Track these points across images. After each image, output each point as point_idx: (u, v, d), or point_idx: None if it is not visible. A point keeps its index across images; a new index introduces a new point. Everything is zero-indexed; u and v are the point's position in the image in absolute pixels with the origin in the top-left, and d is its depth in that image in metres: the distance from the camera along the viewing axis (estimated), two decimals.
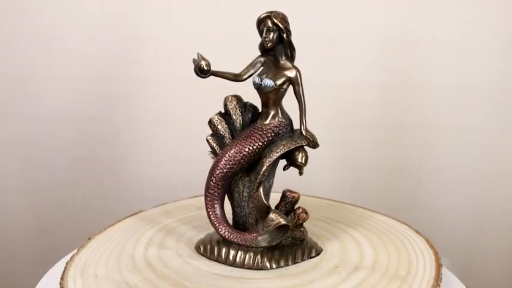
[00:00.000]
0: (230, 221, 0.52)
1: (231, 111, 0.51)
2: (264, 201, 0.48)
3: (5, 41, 0.87)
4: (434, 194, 0.87)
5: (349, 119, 0.85)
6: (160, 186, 0.91)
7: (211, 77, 0.49)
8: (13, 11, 0.85)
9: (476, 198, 0.87)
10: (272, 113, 0.50)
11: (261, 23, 0.49)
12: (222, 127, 0.51)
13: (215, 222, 0.50)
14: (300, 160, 0.49)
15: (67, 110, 0.89)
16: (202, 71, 0.48)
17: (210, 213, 0.50)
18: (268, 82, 0.49)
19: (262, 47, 0.49)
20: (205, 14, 0.82)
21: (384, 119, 0.85)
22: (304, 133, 0.49)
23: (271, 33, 0.48)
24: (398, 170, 0.87)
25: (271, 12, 0.48)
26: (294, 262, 0.49)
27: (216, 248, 0.50)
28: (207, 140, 0.51)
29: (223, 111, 0.52)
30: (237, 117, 0.51)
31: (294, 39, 0.50)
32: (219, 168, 0.49)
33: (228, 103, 0.51)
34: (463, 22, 0.80)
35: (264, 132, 0.49)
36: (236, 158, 0.49)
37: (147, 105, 0.88)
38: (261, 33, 0.49)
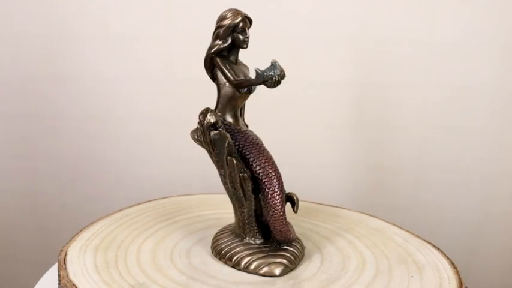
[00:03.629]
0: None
1: (221, 125, 0.47)
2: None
3: (6, 41, 0.87)
4: (434, 195, 0.87)
5: (349, 119, 0.85)
6: (161, 186, 0.91)
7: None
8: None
9: (476, 198, 0.87)
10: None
11: (239, 24, 0.47)
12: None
13: (289, 231, 0.49)
14: None
15: (67, 110, 0.89)
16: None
17: (286, 223, 0.48)
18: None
19: (217, 51, 0.47)
20: (206, 14, 0.82)
21: (384, 119, 0.85)
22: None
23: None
24: (398, 170, 0.87)
25: (242, 12, 0.48)
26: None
27: (264, 263, 0.48)
28: (241, 168, 0.47)
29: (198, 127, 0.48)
30: (223, 129, 0.48)
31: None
32: (280, 178, 0.48)
33: (214, 117, 0.46)
34: (463, 22, 0.79)
35: (253, 133, 0.50)
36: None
37: (146, 105, 0.88)
38: (230, 33, 0.47)
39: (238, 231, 0.51)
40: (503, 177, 0.85)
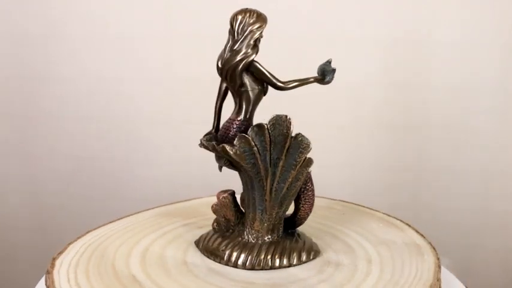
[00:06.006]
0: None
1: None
2: None
3: (5, 41, 0.87)
4: (434, 194, 0.87)
5: (350, 118, 0.85)
6: (161, 187, 0.91)
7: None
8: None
9: (476, 198, 0.87)
10: None
11: None
12: None
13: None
14: None
15: (68, 110, 0.89)
16: None
17: None
18: None
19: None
20: (206, 14, 0.82)
21: (384, 118, 0.85)
22: None
23: None
24: (398, 169, 0.87)
25: None
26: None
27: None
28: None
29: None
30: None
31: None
32: None
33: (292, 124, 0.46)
34: (463, 22, 0.80)
35: None
36: None
37: (147, 105, 0.88)
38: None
39: (265, 235, 0.50)
40: (503, 177, 0.85)
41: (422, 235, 0.57)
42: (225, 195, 0.50)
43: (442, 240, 0.89)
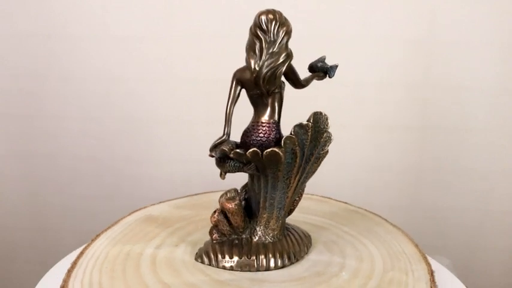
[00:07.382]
0: None
1: None
2: None
3: (5, 40, 0.87)
4: (435, 194, 0.87)
5: (350, 118, 0.85)
6: (161, 186, 0.91)
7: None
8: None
9: (477, 198, 0.87)
10: None
11: None
12: None
13: None
14: None
15: (68, 110, 0.89)
16: None
17: None
18: None
19: None
20: (206, 14, 0.82)
21: (385, 119, 0.85)
22: None
23: None
24: (399, 169, 0.87)
25: None
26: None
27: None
28: None
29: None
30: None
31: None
32: None
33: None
34: (463, 22, 0.79)
35: None
36: None
37: (147, 105, 0.88)
38: None
39: (280, 232, 0.50)
40: (503, 177, 0.85)
41: (345, 202, 0.63)
42: (236, 202, 0.48)
43: (443, 240, 0.89)
